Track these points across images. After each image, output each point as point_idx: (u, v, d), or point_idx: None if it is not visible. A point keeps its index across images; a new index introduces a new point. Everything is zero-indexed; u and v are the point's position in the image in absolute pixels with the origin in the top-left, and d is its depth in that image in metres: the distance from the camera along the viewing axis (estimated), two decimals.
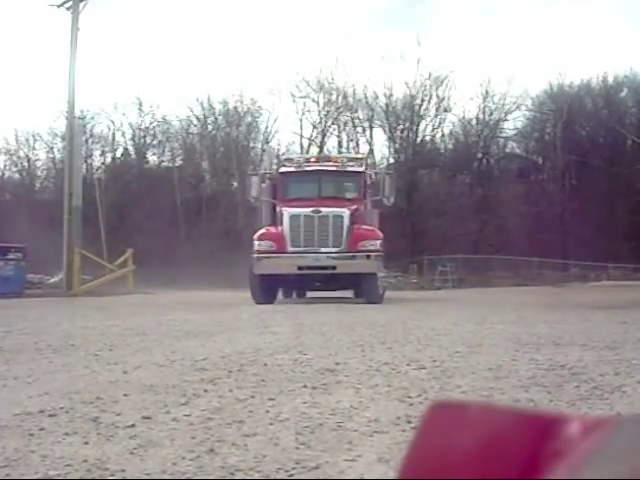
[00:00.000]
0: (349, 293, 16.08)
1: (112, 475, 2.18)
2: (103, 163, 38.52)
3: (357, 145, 40.71)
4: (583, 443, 0.38)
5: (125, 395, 3.41)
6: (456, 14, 53.76)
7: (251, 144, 39.31)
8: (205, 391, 3.53)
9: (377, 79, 54.33)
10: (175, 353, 5.03)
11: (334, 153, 13.89)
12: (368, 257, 12.85)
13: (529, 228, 37.13)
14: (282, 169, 15.44)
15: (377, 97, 39.19)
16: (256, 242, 13.17)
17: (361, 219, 13.67)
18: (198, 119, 38.38)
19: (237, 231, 30.23)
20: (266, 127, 38.96)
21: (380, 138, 43.18)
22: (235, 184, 36.80)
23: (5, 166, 39.73)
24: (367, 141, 40.74)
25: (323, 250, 12.95)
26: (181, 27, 58.81)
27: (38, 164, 39.59)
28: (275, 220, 13.84)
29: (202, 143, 39.17)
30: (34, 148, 39.05)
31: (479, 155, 41.26)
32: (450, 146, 42.59)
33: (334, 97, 39.07)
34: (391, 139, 39.95)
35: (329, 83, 38.58)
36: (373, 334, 6.42)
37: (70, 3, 19.21)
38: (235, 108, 38.35)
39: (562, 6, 53.03)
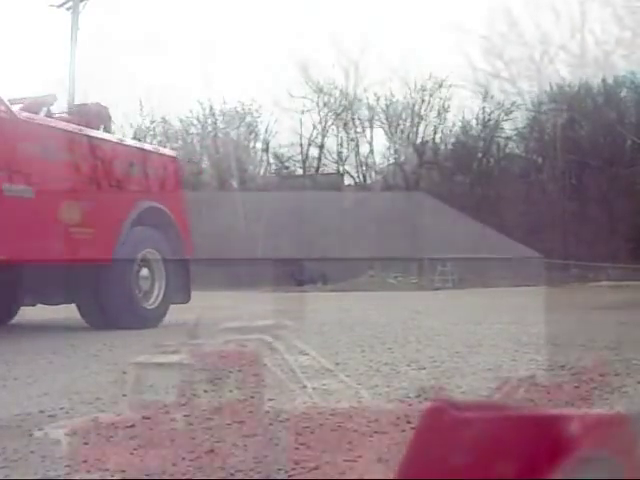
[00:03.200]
0: None
1: (112, 475, 2.18)
2: None
3: (357, 145, 40.73)
4: (583, 442, 0.38)
5: (125, 395, 3.41)
6: (456, 15, 53.80)
7: (251, 144, 39.34)
8: (205, 391, 3.53)
9: (377, 79, 54.31)
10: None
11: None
12: None
13: (529, 228, 37.13)
14: None
15: (378, 97, 39.22)
16: None
17: None
18: (198, 119, 38.42)
19: (238, 230, 30.21)
20: (266, 127, 38.98)
21: (381, 138, 43.17)
22: (234, 184, 36.78)
23: None
24: (367, 141, 40.77)
25: None
26: (181, 27, 58.80)
27: None
28: None
29: (202, 143, 39.17)
30: None
31: (479, 155, 41.28)
32: (450, 146, 42.60)
33: (334, 97, 39.09)
34: (391, 139, 39.97)
35: (329, 83, 38.60)
36: (373, 334, 6.41)
37: (70, 3, 19.21)
38: (235, 108, 38.38)
39: (561, 6, 53.04)
